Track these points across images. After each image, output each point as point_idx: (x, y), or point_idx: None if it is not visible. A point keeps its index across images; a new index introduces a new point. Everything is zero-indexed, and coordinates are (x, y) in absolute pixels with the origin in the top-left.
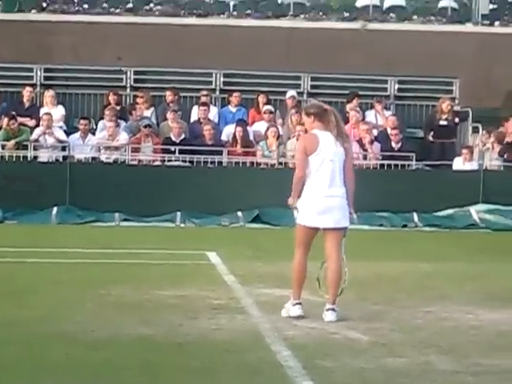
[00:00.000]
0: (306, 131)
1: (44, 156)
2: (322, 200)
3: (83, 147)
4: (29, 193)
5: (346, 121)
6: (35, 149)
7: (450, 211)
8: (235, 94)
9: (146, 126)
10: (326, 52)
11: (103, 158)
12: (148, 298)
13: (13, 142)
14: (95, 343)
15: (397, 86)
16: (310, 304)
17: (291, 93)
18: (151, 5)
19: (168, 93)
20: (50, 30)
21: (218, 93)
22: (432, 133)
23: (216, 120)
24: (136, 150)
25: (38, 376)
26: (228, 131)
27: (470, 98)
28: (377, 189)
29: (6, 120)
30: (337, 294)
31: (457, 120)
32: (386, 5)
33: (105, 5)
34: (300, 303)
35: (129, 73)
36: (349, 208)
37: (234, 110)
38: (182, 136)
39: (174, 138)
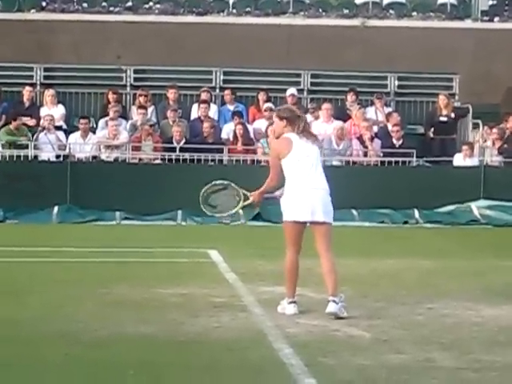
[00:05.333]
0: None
1: (45, 155)
2: (304, 192)
3: (83, 146)
4: (29, 192)
5: (348, 117)
6: (36, 148)
7: (450, 207)
8: (226, 92)
9: (150, 126)
10: (325, 49)
11: (104, 156)
12: (149, 297)
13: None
14: (96, 342)
15: (397, 83)
16: (312, 301)
17: (291, 90)
18: (151, 3)
19: (170, 90)
20: (50, 29)
21: (217, 91)
22: (432, 129)
23: (216, 118)
24: (136, 149)
25: (37, 375)
26: (228, 129)
27: (469, 94)
28: (377, 186)
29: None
30: (334, 285)
31: (452, 115)
32: (385, 1)
33: (104, 3)
34: (295, 301)
35: (128, 71)
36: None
37: (231, 107)
38: (183, 141)
39: (175, 143)
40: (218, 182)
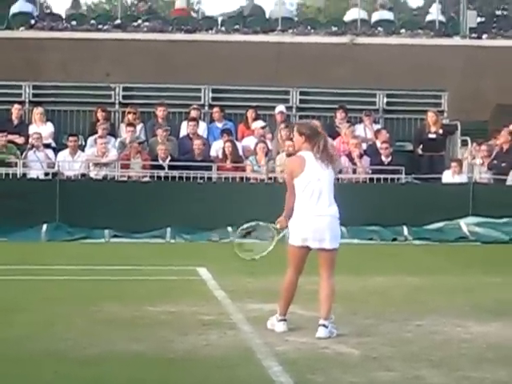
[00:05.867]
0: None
1: (33, 173)
2: (311, 220)
3: (72, 164)
4: (18, 210)
5: (337, 135)
6: (25, 166)
7: (439, 224)
8: (215, 110)
9: (139, 143)
10: (314, 66)
11: (92, 174)
12: (138, 315)
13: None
14: (86, 360)
15: (385, 100)
16: (301, 318)
17: (280, 108)
18: (139, 21)
19: (159, 108)
20: (39, 47)
21: (206, 108)
22: (421, 146)
23: (205, 135)
24: (125, 166)
25: None
26: (217, 146)
27: (458, 111)
28: (366, 203)
29: None
30: (328, 311)
31: (441, 131)
32: (373, 19)
33: (93, 21)
34: (285, 319)
35: (117, 89)
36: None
37: (220, 125)
38: (168, 159)
39: (160, 161)
40: (244, 226)
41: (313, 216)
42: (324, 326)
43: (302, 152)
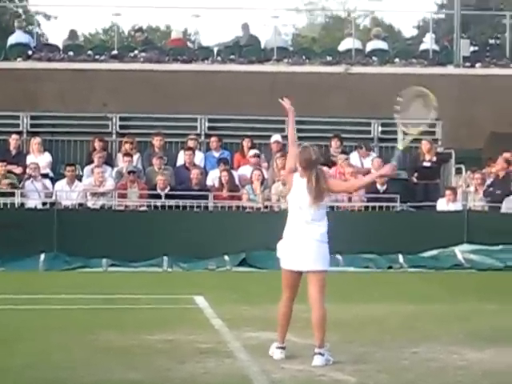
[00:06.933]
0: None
1: (31, 203)
2: (295, 243)
3: (70, 193)
4: (16, 239)
5: (332, 164)
6: (22, 196)
7: (434, 252)
8: (213, 139)
9: (129, 173)
10: (309, 96)
11: (90, 204)
12: (136, 343)
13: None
14: None
15: (380, 129)
16: (297, 346)
17: (276, 137)
18: (136, 51)
19: (156, 138)
20: (36, 77)
21: (203, 137)
22: (416, 174)
23: (202, 165)
24: (123, 196)
25: None
26: (213, 176)
27: (452, 140)
28: (362, 231)
29: None
30: (322, 337)
31: (434, 159)
32: (368, 48)
33: (90, 52)
34: (283, 347)
35: (114, 119)
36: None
37: (216, 154)
38: (167, 189)
39: (159, 191)
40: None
41: (297, 239)
42: (320, 354)
43: (299, 173)
